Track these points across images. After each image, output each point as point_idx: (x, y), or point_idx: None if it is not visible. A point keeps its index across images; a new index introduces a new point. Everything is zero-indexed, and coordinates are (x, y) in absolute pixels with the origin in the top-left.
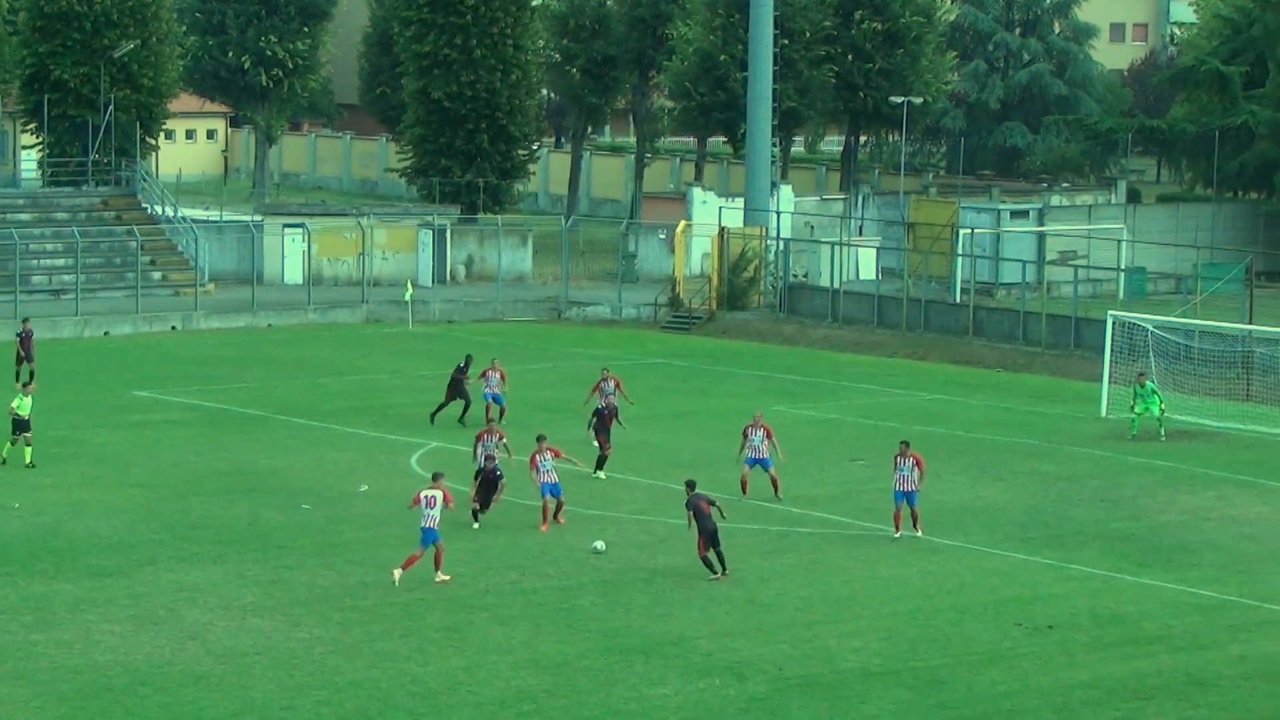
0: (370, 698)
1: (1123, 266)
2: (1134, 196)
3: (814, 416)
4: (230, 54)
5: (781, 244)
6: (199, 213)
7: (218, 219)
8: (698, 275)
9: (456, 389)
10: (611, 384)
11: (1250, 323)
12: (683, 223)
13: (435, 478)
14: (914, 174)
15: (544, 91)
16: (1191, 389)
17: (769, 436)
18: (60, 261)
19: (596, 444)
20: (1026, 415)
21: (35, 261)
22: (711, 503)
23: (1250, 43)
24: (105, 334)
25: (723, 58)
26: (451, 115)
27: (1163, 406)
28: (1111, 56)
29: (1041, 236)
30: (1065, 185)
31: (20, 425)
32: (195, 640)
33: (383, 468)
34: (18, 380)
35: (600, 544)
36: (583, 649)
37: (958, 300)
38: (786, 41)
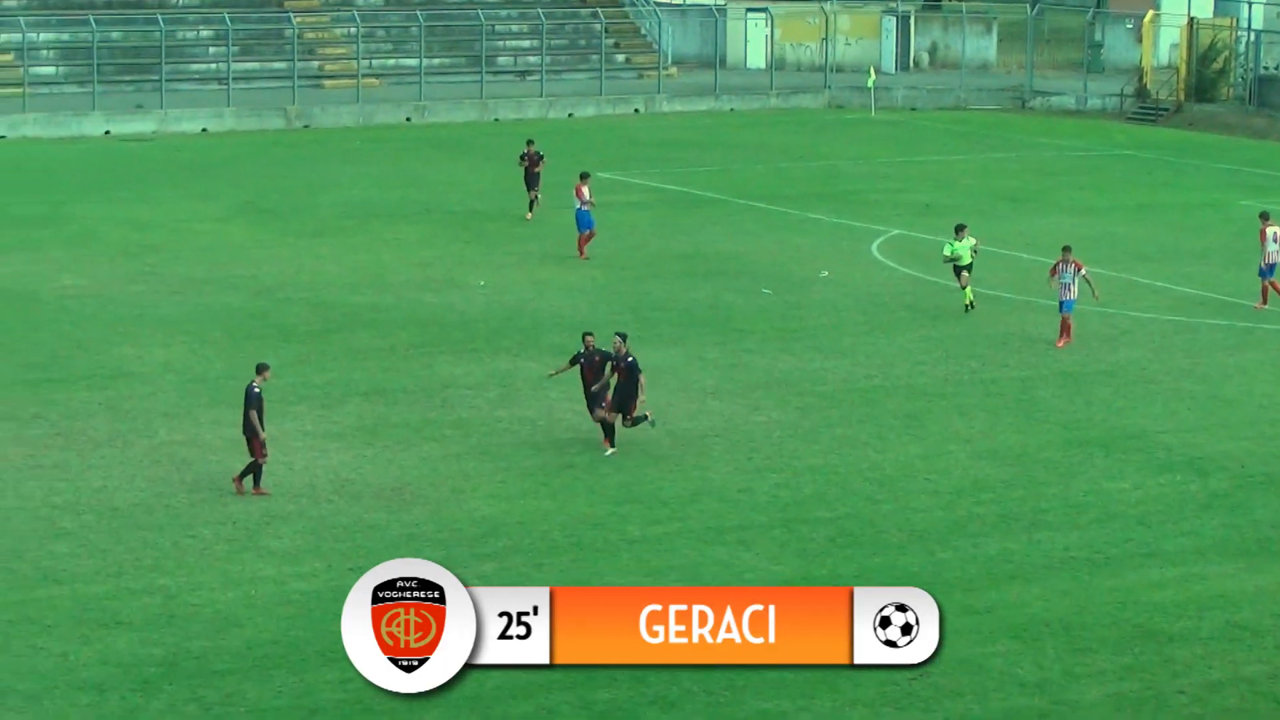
0: (828, 483)
1: None
2: None
3: None
4: None
5: (1253, 35)
6: None
7: (681, 3)
8: (1165, 66)
9: None
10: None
11: None
12: (1151, 12)
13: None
14: None
15: None
16: None
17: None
18: (526, 43)
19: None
20: None
21: (501, 43)
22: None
23: None
24: (569, 115)
25: None
26: None
27: None
28: None
29: None
30: None
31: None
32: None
33: (844, 254)
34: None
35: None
36: (1041, 440)
37: None
38: None
